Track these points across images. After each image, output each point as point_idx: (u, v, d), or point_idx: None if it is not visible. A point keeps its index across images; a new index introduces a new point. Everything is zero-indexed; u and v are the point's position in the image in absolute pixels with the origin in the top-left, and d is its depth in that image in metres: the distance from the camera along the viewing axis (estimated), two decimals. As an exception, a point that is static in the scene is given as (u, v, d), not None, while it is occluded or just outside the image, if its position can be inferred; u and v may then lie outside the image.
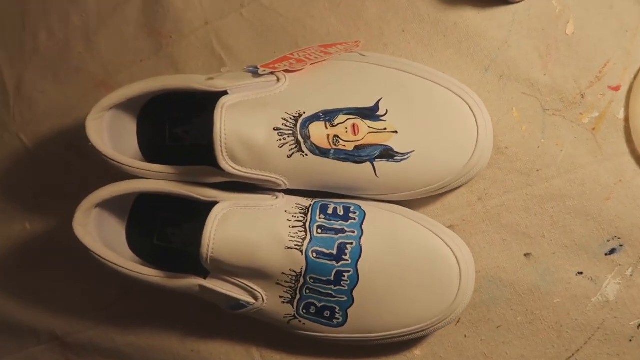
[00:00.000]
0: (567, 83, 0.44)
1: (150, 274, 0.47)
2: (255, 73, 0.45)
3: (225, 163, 0.42)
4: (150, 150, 0.51)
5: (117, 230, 0.52)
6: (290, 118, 0.42)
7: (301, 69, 0.45)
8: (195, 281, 0.45)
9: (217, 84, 0.44)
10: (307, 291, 0.44)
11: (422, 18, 0.47)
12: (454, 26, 0.46)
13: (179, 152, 0.51)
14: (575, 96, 0.44)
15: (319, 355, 0.50)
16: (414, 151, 0.43)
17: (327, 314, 0.45)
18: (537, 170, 0.45)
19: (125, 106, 0.48)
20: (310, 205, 0.45)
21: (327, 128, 0.43)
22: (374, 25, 0.48)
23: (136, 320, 0.55)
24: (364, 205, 0.45)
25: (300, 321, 0.46)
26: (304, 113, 0.43)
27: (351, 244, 0.43)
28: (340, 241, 0.43)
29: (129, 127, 0.50)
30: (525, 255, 0.45)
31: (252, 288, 0.44)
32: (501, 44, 0.45)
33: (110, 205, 0.49)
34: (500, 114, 0.45)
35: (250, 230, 0.42)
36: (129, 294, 0.56)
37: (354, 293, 0.44)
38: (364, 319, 0.45)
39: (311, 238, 0.43)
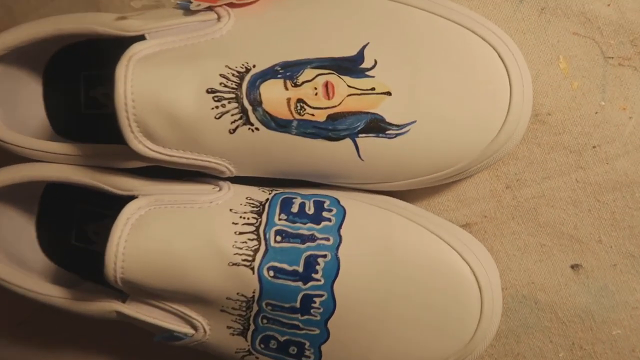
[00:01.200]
0: (641, 18, 0.30)
1: (52, 294, 0.34)
2: (187, 9, 0.31)
3: (137, 142, 0.29)
4: (62, 121, 0.38)
5: (23, 228, 0.39)
6: (233, 74, 0.29)
7: (252, 2, 0.31)
8: (110, 306, 0.32)
9: (128, 25, 0.30)
10: (265, 321, 0.31)
11: None
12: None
13: (99, 123, 0.37)
14: (654, 37, 0.30)
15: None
16: (415, 122, 0.29)
17: (293, 350, 0.32)
18: (594, 147, 0.32)
19: (19, 60, 0.35)
20: (268, 200, 0.32)
21: (287, 89, 0.29)
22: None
23: (57, 338, 0.43)
24: (343, 198, 0.32)
25: (257, 358, 0.33)
26: (253, 67, 0.29)
27: (324, 256, 0.30)
28: (309, 253, 0.30)
29: (31, 90, 0.37)
30: (572, 267, 0.32)
31: (187, 315, 0.32)
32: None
33: (10, 197, 0.36)
34: (540, 64, 0.31)
35: (178, 240, 0.29)
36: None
37: (329, 325, 0.31)
38: (343, 356, 0.32)
39: (267, 249, 0.30)
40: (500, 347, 0.34)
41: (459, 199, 0.34)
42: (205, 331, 0.32)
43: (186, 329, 0.32)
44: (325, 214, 0.31)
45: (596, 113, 0.31)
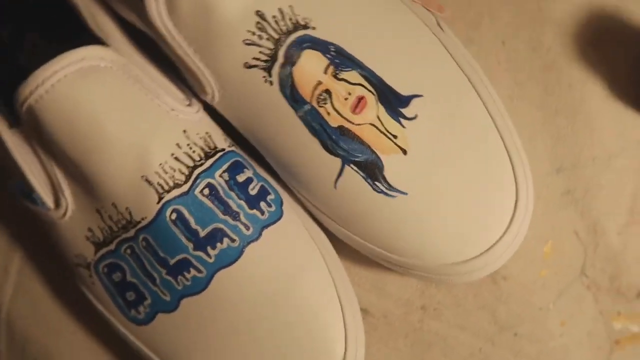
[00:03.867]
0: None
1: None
2: None
3: (156, 12, 0.25)
4: None
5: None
6: (290, 19, 0.25)
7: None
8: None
9: None
10: (128, 252, 0.27)
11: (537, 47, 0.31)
12: (568, 87, 0.31)
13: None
14: (633, 288, 0.30)
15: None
16: (406, 194, 0.27)
17: (130, 296, 0.28)
18: (515, 334, 0.30)
19: None
20: (224, 150, 0.28)
21: (325, 73, 0.26)
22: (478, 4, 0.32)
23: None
24: (287, 202, 0.29)
25: (90, 277, 0.29)
26: (312, 28, 0.26)
27: (232, 240, 0.27)
28: (221, 227, 0.27)
29: None
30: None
31: (60, 189, 0.27)
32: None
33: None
34: (531, 231, 0.30)
35: (114, 117, 0.25)
36: None
37: (184, 302, 0.27)
38: (170, 338, 0.28)
39: (187, 192, 0.26)
40: None
41: (379, 285, 0.31)
42: (64, 215, 0.28)
43: (48, 200, 0.28)
44: (263, 204, 0.28)
45: (540, 309, 0.30)
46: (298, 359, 0.27)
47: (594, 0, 0.32)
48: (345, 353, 0.27)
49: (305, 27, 0.26)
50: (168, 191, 0.26)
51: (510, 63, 0.32)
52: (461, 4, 0.32)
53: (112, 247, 0.28)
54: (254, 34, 0.25)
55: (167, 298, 0.27)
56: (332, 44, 0.26)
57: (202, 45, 0.26)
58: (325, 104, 0.26)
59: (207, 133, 0.28)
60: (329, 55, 0.26)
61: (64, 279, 0.32)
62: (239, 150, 0.29)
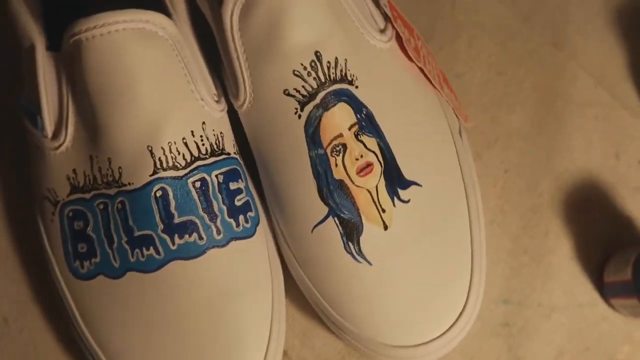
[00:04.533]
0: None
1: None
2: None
3: (230, 11, 0.26)
4: None
5: None
6: (340, 69, 0.27)
7: (409, 57, 0.30)
8: (33, 38, 0.28)
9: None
10: (101, 206, 0.28)
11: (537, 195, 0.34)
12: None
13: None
14: None
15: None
16: (372, 265, 0.28)
17: (82, 248, 0.28)
18: None
19: None
20: (228, 155, 0.29)
21: (349, 129, 0.28)
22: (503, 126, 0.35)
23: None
24: (262, 226, 0.30)
25: (53, 214, 0.29)
26: (356, 84, 0.28)
27: (201, 239, 0.27)
28: (196, 222, 0.27)
29: None
30: None
31: (65, 124, 0.28)
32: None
33: None
34: (459, 346, 0.31)
35: (149, 81, 0.26)
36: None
37: (130, 274, 0.28)
38: (100, 302, 0.28)
39: (181, 178, 0.27)
40: None
41: (308, 334, 0.32)
42: (57, 148, 0.28)
43: (48, 128, 0.28)
44: (241, 217, 0.29)
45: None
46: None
47: (593, 171, 0.34)
48: None
49: (350, 82, 0.27)
50: (164, 169, 0.27)
51: (504, 191, 0.34)
52: (484, 122, 0.35)
53: (87, 196, 0.28)
54: (305, 68, 0.27)
55: (116, 264, 0.28)
56: (366, 107, 0.28)
57: (255, 58, 0.27)
58: (337, 155, 0.27)
59: (221, 133, 0.29)
60: (359, 116, 0.28)
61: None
62: (240, 160, 0.30)
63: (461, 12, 0.36)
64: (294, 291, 0.31)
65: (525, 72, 0.36)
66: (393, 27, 0.29)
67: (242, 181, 0.29)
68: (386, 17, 0.30)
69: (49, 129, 0.28)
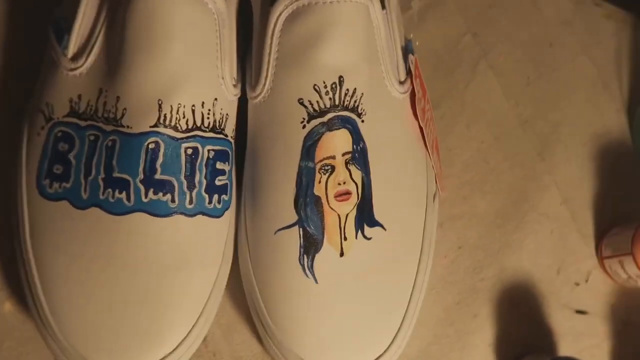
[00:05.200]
0: None
1: None
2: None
3: (278, 12, 0.28)
4: None
5: None
6: (355, 100, 0.29)
7: (415, 114, 0.32)
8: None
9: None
10: (91, 137, 0.29)
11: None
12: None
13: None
14: None
15: None
16: (317, 283, 0.29)
17: (57, 169, 0.29)
18: None
19: None
20: (225, 136, 0.30)
21: (342, 155, 0.29)
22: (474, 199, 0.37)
23: None
24: (229, 213, 0.31)
25: (42, 129, 0.30)
26: (362, 118, 0.30)
27: (172, 202, 0.28)
28: (174, 184, 0.28)
29: None
30: None
31: (89, 50, 0.29)
32: None
33: None
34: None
35: (184, 43, 0.27)
36: None
37: (92, 210, 0.28)
38: (54, 227, 0.29)
39: (176, 140, 0.28)
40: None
41: (232, 327, 0.33)
42: (71, 70, 0.29)
43: (73, 47, 0.29)
44: (215, 197, 0.30)
45: None
46: (131, 328, 0.28)
47: (534, 276, 0.37)
48: (169, 355, 0.28)
49: (359, 115, 0.29)
50: (165, 126, 0.28)
51: (452, 264, 0.36)
52: (456, 197, 0.37)
53: (82, 123, 0.29)
54: (325, 87, 0.29)
55: (84, 196, 0.28)
56: (364, 141, 0.30)
57: (285, 60, 0.29)
58: (324, 174, 0.29)
59: (227, 114, 0.30)
60: (355, 146, 0.29)
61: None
62: (234, 146, 0.31)
63: (471, 95, 0.39)
64: (234, 284, 0.32)
65: (506, 168, 0.38)
66: (412, 82, 0.32)
67: (228, 165, 0.31)
68: (408, 72, 0.32)
69: (72, 50, 0.29)
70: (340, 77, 0.29)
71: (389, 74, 0.31)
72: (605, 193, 0.39)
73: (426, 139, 0.33)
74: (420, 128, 0.33)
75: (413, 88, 0.32)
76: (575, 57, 0.41)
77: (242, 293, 0.32)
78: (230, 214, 0.31)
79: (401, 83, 0.31)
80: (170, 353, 0.28)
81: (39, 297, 0.28)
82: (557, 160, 0.39)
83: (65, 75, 0.29)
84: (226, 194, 0.30)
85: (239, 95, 0.31)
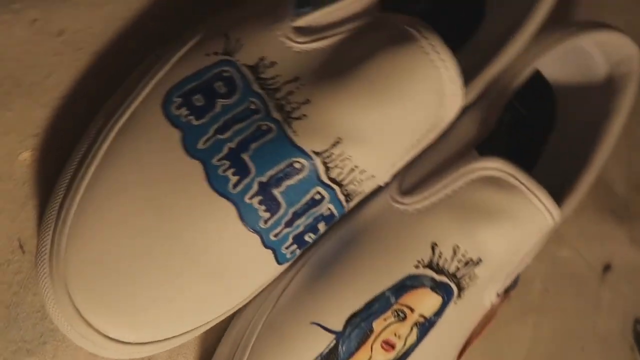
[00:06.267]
0: None
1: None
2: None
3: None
4: None
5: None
6: (463, 286, 0.28)
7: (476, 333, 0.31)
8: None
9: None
10: (253, 107, 0.25)
11: None
12: None
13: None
14: None
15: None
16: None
17: (198, 101, 0.25)
18: None
19: None
20: (346, 207, 0.28)
21: (419, 316, 0.28)
22: None
23: None
24: (284, 268, 0.28)
25: (208, 56, 0.26)
26: (455, 302, 0.28)
27: (260, 220, 0.25)
28: (281, 209, 0.26)
29: None
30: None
31: (319, 39, 0.26)
32: None
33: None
34: None
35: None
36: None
37: (193, 164, 0.25)
38: (135, 146, 0.25)
39: (332, 179, 0.26)
40: None
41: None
42: (294, 39, 0.26)
43: (308, 22, 0.26)
44: (294, 247, 0.27)
45: None
46: (135, 297, 0.24)
47: None
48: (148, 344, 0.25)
49: (459, 295, 0.28)
50: (318, 155, 0.25)
51: None
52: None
53: (255, 87, 0.26)
54: (462, 254, 0.27)
55: (201, 146, 0.25)
56: (440, 318, 0.28)
57: (447, 202, 0.28)
58: (394, 316, 0.27)
59: (364, 192, 0.28)
60: (432, 317, 0.28)
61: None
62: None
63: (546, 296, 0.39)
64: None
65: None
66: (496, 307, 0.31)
67: (324, 229, 0.28)
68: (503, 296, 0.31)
69: (301, 22, 0.26)
70: (480, 259, 0.28)
71: (497, 285, 0.30)
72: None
73: (464, 350, 0.32)
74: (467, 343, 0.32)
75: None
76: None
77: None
78: (283, 267, 0.28)
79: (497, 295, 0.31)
80: (148, 343, 0.25)
81: (73, 201, 0.24)
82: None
83: (273, 35, 0.26)
84: (300, 250, 0.28)
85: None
